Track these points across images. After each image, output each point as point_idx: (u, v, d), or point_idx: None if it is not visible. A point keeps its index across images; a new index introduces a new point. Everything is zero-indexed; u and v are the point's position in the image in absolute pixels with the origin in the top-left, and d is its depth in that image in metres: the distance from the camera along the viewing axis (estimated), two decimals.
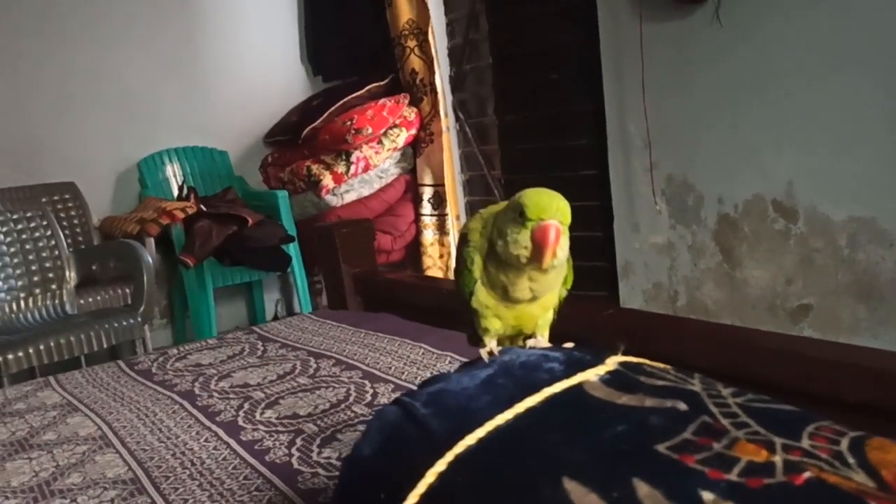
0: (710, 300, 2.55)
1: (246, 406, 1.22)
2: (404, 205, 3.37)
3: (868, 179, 2.09)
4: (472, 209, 3.53)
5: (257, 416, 1.17)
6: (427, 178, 3.33)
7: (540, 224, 0.60)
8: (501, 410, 0.55)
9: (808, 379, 0.96)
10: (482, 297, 0.67)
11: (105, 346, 2.35)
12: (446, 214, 3.29)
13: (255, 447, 1.05)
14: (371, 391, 1.22)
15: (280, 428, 1.12)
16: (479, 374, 0.61)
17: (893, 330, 2.10)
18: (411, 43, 3.26)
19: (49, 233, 2.63)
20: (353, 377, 1.30)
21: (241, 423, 1.15)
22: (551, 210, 0.61)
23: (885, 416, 0.87)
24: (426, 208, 3.35)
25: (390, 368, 1.31)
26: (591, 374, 0.57)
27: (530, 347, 0.68)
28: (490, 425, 0.54)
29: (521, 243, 0.61)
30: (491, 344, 0.69)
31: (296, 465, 0.98)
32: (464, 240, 0.69)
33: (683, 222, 2.58)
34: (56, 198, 2.95)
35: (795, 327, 2.31)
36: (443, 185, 3.28)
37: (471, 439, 0.53)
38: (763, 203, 2.35)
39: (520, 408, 0.54)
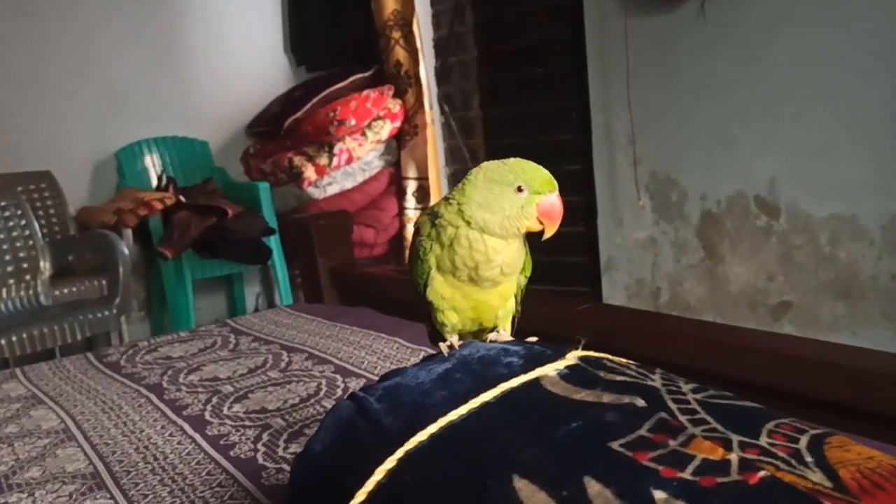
0: (692, 296, 2.55)
1: (214, 400, 1.20)
2: (388, 198, 3.34)
3: (850, 177, 2.10)
4: None
5: (225, 411, 1.15)
6: (411, 172, 3.31)
7: (548, 196, 0.63)
8: (456, 406, 0.53)
9: (783, 376, 0.95)
10: (438, 286, 0.65)
11: (80, 337, 2.31)
12: (421, 213, 3.27)
13: (221, 442, 1.03)
14: (342, 386, 1.20)
15: (247, 422, 1.10)
16: (437, 368, 0.60)
17: (872, 328, 2.10)
18: (396, 34, 3.23)
19: (24, 222, 2.58)
20: (324, 371, 1.28)
21: (207, 417, 1.13)
22: (552, 182, 0.63)
23: (859, 413, 0.87)
24: (410, 202, 3.32)
25: (363, 363, 1.29)
26: (550, 369, 0.56)
27: (491, 341, 0.66)
28: (443, 421, 0.52)
29: (526, 215, 0.62)
30: (451, 338, 0.67)
31: (261, 461, 0.96)
32: (417, 233, 0.67)
33: (666, 218, 2.58)
34: (32, 187, 2.90)
35: (776, 324, 2.32)
36: (427, 178, 3.26)
37: (422, 436, 0.51)
38: (745, 200, 2.35)
39: (474, 403, 0.53)
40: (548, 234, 0.64)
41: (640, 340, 1.12)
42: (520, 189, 0.62)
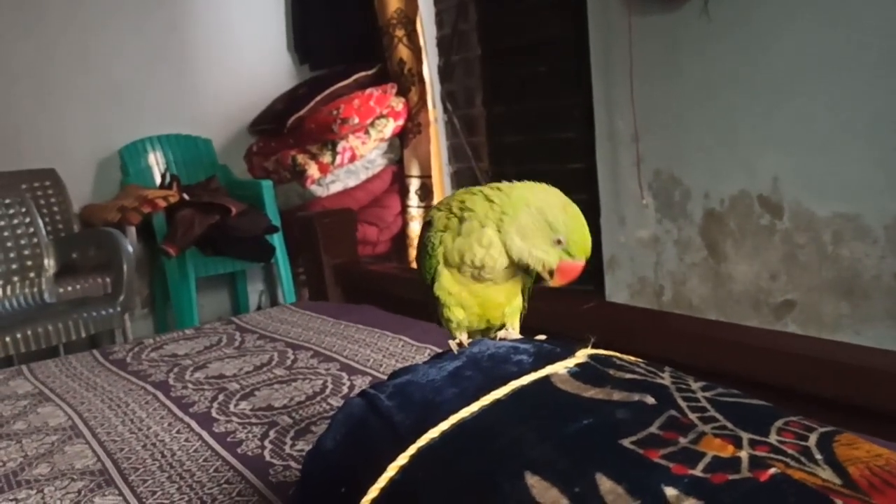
0: (694, 295, 2.55)
1: (220, 397, 1.20)
2: (391, 196, 3.35)
3: (853, 176, 2.10)
4: None
5: (231, 408, 1.15)
6: (414, 170, 3.31)
7: (575, 260, 0.64)
8: (467, 403, 0.53)
9: (787, 375, 0.96)
10: (445, 281, 0.66)
11: (84, 335, 2.32)
12: (433, 206, 3.27)
13: (228, 439, 1.04)
14: (348, 383, 1.21)
15: (254, 420, 1.10)
16: (447, 365, 0.60)
17: (875, 327, 2.10)
18: (399, 32, 3.23)
19: (28, 220, 2.59)
20: (330, 369, 1.28)
21: (214, 414, 1.14)
22: (587, 250, 0.65)
23: (863, 412, 0.87)
24: (413, 200, 3.33)
25: (368, 361, 1.30)
26: (560, 367, 0.56)
27: (501, 339, 0.67)
28: (454, 418, 0.52)
29: (548, 263, 0.64)
30: (460, 335, 0.68)
31: (268, 458, 0.97)
32: (427, 226, 0.68)
33: (670, 217, 2.58)
34: (36, 184, 2.91)
35: (779, 323, 2.32)
36: (430, 176, 3.26)
37: (434, 433, 0.52)
38: (749, 198, 2.35)
39: (485, 401, 0.53)
40: (551, 285, 0.66)
41: (646, 339, 1.12)
42: (559, 242, 0.63)
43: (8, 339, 2.18)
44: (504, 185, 0.65)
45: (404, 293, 1.59)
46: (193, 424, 1.10)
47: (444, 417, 0.52)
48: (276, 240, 3.08)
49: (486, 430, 0.51)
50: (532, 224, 0.63)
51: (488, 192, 0.64)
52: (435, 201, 3.26)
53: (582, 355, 0.58)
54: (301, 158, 3.11)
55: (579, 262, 0.64)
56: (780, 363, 0.97)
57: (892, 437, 0.76)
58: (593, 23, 2.69)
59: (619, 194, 2.72)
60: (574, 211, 0.64)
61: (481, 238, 0.63)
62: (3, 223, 2.55)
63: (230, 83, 3.43)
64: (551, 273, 0.64)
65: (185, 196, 2.93)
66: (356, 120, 3.09)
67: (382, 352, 1.33)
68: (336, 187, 3.19)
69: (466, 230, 0.64)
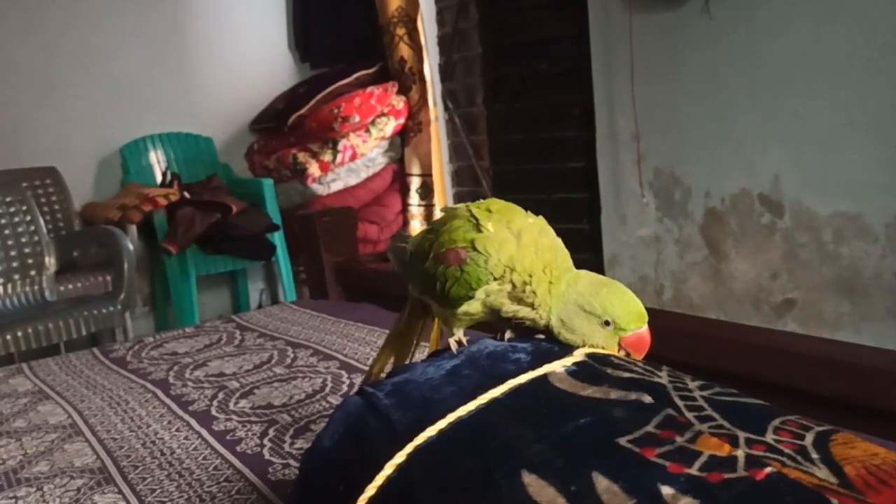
0: (695, 294, 2.55)
1: (220, 396, 1.20)
2: (391, 195, 3.35)
3: (854, 175, 2.09)
4: (459, 200, 3.51)
5: (231, 406, 1.16)
6: (415, 168, 3.31)
7: (635, 332, 0.62)
8: (464, 402, 0.54)
9: (787, 374, 0.95)
10: (472, 308, 0.65)
11: (84, 333, 2.33)
12: (434, 205, 3.28)
13: (227, 437, 1.04)
14: (348, 381, 1.21)
15: (253, 418, 1.10)
16: (445, 364, 0.60)
17: (876, 325, 2.10)
18: (400, 31, 3.23)
19: (29, 218, 2.59)
20: (330, 367, 1.28)
21: (214, 412, 1.14)
22: (642, 317, 0.62)
23: (864, 411, 0.87)
24: (414, 198, 3.33)
25: (368, 359, 1.30)
26: (558, 366, 0.56)
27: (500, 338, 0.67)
28: (451, 417, 0.52)
29: (608, 346, 0.62)
30: (458, 333, 0.68)
31: (267, 456, 0.97)
32: (468, 243, 0.63)
33: (670, 216, 2.58)
34: (37, 183, 2.91)
35: (779, 321, 2.32)
36: (431, 175, 3.27)
37: (431, 431, 0.52)
38: (749, 197, 2.35)
39: (483, 399, 0.53)
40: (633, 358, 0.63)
41: None
42: (607, 323, 0.61)
43: (9, 336, 2.19)
44: (558, 259, 0.63)
45: (404, 292, 1.59)
46: (193, 423, 1.10)
47: (442, 416, 0.52)
48: (277, 238, 3.08)
49: (482, 428, 0.51)
50: (573, 316, 0.62)
51: (553, 278, 0.62)
52: (436, 200, 3.26)
53: (580, 354, 0.58)
54: (302, 157, 3.11)
55: (640, 331, 0.62)
56: (781, 362, 0.97)
57: (892, 437, 0.76)
58: (594, 22, 2.69)
59: (620, 193, 2.72)
60: (605, 289, 0.62)
61: (528, 316, 0.63)
62: (3, 221, 2.55)
63: (231, 81, 3.44)
64: (627, 354, 0.62)
65: (186, 194, 2.93)
66: (357, 118, 3.09)
67: None
68: (337, 186, 3.19)
69: (516, 296, 0.63)
